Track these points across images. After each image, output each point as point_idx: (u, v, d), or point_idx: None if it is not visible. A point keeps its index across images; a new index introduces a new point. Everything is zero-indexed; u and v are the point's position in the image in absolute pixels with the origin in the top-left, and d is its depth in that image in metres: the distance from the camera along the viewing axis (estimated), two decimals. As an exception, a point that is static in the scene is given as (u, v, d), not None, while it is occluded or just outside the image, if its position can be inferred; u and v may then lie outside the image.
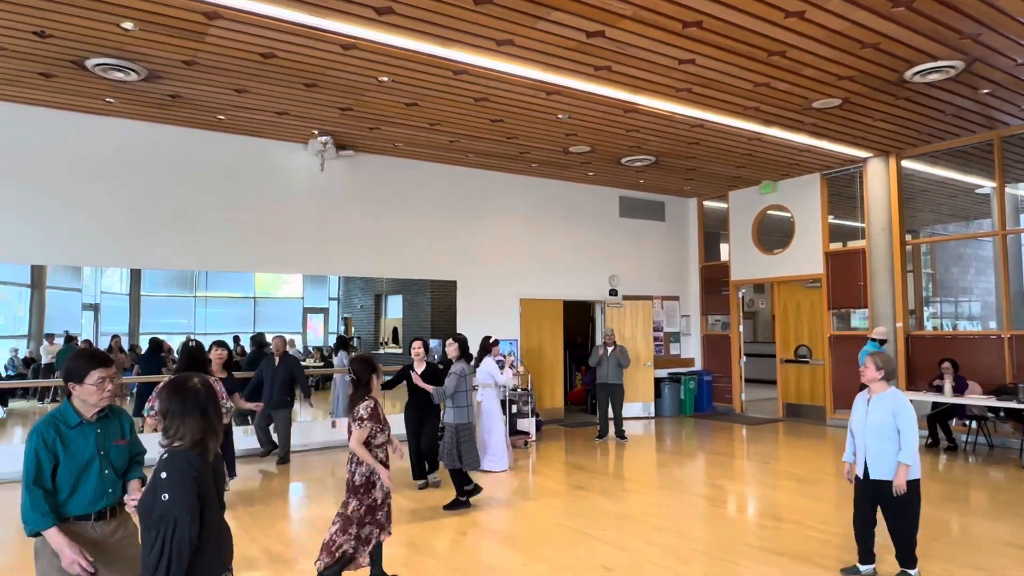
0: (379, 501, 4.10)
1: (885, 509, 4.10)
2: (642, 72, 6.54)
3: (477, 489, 6.17)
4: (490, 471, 7.38)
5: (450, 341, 6.46)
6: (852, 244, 10.76)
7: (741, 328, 12.24)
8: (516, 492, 6.67)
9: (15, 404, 7.71)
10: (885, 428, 4.01)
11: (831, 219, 10.80)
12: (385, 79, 6.69)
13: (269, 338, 8.78)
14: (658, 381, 11.69)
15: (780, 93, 7.15)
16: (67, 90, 6.93)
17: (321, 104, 7.41)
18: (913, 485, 4.03)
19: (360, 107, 7.52)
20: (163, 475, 2.18)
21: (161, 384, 2.45)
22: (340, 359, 9.27)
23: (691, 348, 12.81)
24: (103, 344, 7.98)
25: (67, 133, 7.57)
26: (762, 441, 9.29)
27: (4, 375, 7.47)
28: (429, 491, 6.61)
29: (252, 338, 8.98)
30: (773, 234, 11.75)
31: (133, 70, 6.34)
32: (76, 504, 2.64)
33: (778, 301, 11.69)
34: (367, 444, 4.03)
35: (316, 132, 8.44)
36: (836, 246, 10.78)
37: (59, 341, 7.76)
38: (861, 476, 4.16)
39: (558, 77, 6.64)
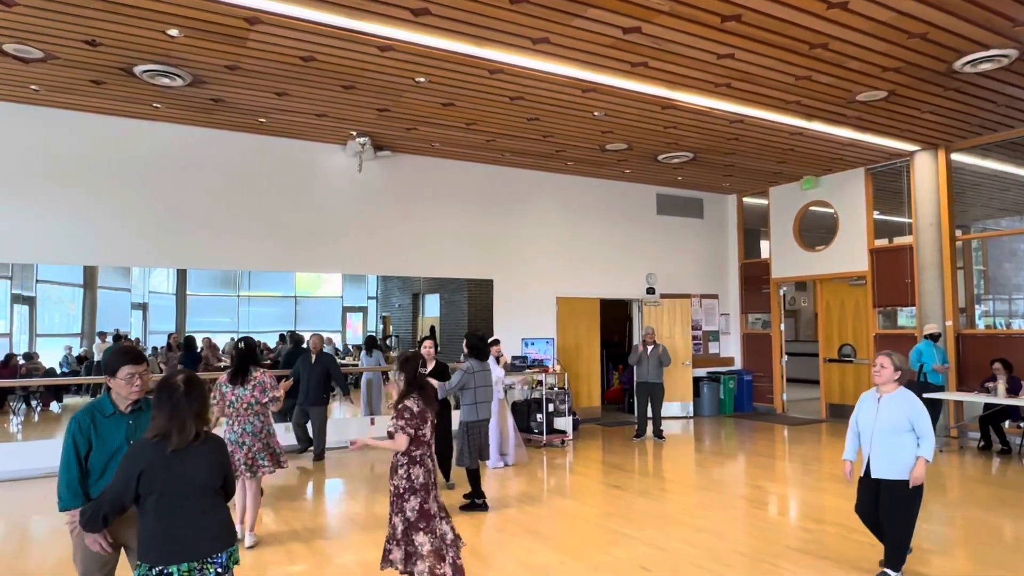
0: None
1: (884, 509, 4.02)
2: (680, 68, 6.46)
3: (483, 507, 5.91)
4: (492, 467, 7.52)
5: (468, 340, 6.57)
6: (899, 240, 10.46)
7: (782, 326, 12.01)
8: (553, 491, 6.67)
9: (69, 400, 8.00)
10: (896, 428, 3.96)
11: (876, 215, 10.51)
12: (421, 80, 6.74)
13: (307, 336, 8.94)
14: (697, 380, 11.55)
15: (823, 86, 6.99)
16: (116, 96, 7.16)
17: (359, 106, 7.51)
18: (916, 489, 3.97)
19: (397, 108, 7.59)
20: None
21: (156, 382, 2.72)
22: (375, 358, 9.36)
23: (730, 347, 12.61)
24: (157, 342, 8.23)
25: (117, 138, 7.82)
26: (804, 442, 9.10)
27: (59, 372, 7.76)
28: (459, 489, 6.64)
29: (289, 336, 9.14)
30: (815, 230, 11.49)
31: (178, 76, 6.51)
32: (103, 487, 2.82)
33: (821, 299, 11.43)
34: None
35: (354, 133, 8.55)
36: (882, 242, 10.49)
37: (110, 339, 8.02)
38: (862, 474, 4.10)
39: (594, 74, 6.60)
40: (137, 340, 8.15)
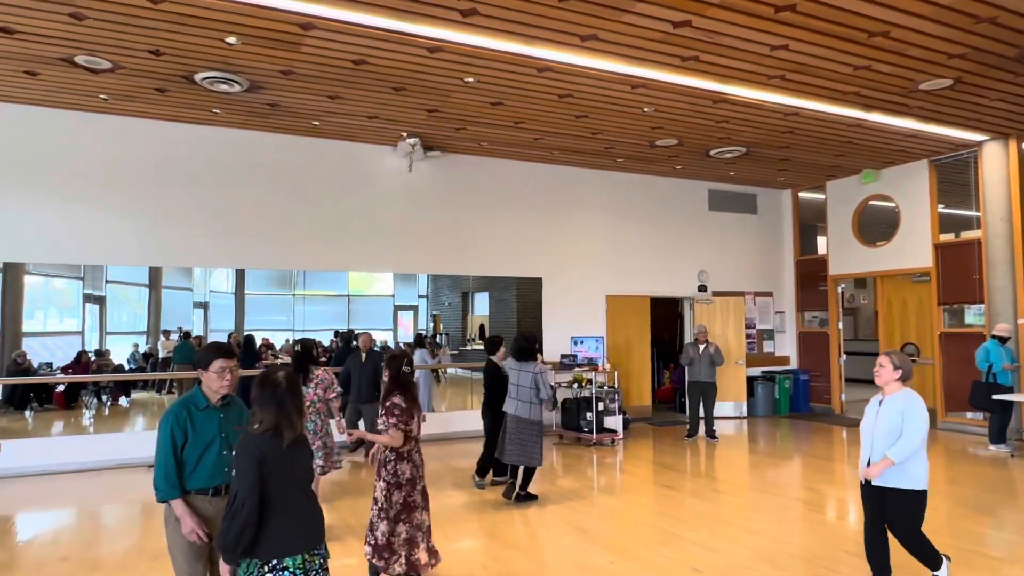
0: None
1: (891, 518, 3.77)
2: (732, 61, 6.33)
3: (507, 492, 6.13)
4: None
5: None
6: (966, 235, 10.02)
7: (840, 325, 11.65)
8: (603, 489, 6.64)
9: (136, 395, 8.37)
10: (894, 431, 3.69)
11: (941, 208, 10.09)
12: (470, 80, 6.79)
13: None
14: (751, 380, 11.30)
15: (883, 76, 6.75)
16: (178, 103, 7.44)
17: (409, 107, 7.61)
18: (918, 497, 3.70)
19: (446, 108, 7.67)
20: (234, 453, 2.65)
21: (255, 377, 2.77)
22: (420, 356, 9.46)
23: (786, 346, 12.30)
24: (219, 339, 8.53)
25: (179, 143, 8.13)
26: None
27: (126, 368, 8.12)
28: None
29: (340, 334, 9.33)
30: (875, 225, 11.10)
31: (236, 82, 6.73)
32: (197, 478, 2.98)
33: (882, 296, 11.04)
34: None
35: (405, 134, 8.68)
36: (947, 237, 10.07)
37: (175, 337, 8.35)
38: (863, 482, 3.84)
39: (644, 70, 6.53)
40: (199, 338, 8.46)
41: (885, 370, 3.82)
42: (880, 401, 3.87)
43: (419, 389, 4.43)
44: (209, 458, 2.98)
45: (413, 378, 4.21)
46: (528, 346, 6.32)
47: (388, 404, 4.01)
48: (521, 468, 6.22)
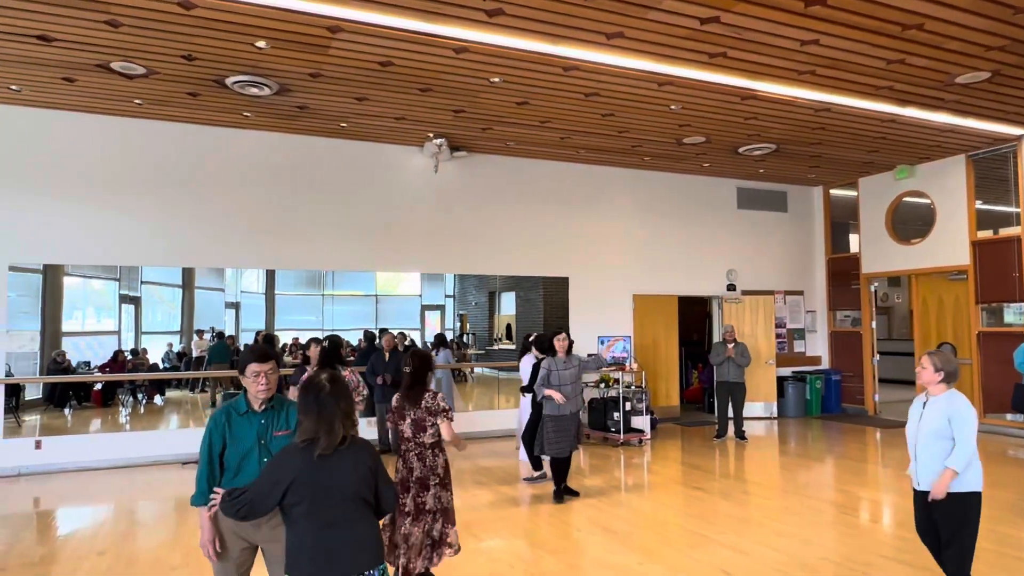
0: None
1: (939, 523, 3.59)
2: (761, 56, 6.25)
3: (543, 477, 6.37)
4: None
5: (560, 338, 6.51)
6: (1005, 231, 9.74)
7: (874, 324, 11.42)
8: (631, 490, 6.60)
9: (171, 393, 8.54)
10: (938, 434, 3.53)
11: (978, 204, 9.83)
12: (496, 80, 6.80)
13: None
14: (781, 380, 11.14)
15: (917, 69, 6.59)
16: (210, 107, 7.58)
17: (436, 108, 7.65)
18: (972, 499, 3.52)
19: (473, 108, 7.69)
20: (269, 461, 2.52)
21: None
22: (443, 356, 9.48)
23: (817, 345, 12.10)
24: (249, 339, 8.68)
25: (210, 146, 8.28)
26: (899, 446, 8.63)
27: (161, 367, 8.29)
28: (543, 485, 6.66)
29: (364, 333, 9.38)
30: (910, 223, 10.86)
31: (266, 85, 6.83)
32: (237, 485, 2.85)
33: (916, 295, 10.80)
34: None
35: (431, 135, 8.72)
36: (985, 234, 9.81)
37: (208, 336, 8.51)
38: (916, 487, 3.66)
39: (671, 67, 6.47)
40: (233, 338, 8.61)
41: (926, 372, 3.67)
42: (924, 403, 3.71)
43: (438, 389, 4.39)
44: (249, 466, 2.90)
45: (425, 377, 4.13)
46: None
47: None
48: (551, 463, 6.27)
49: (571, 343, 6.48)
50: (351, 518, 2.36)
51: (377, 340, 8.90)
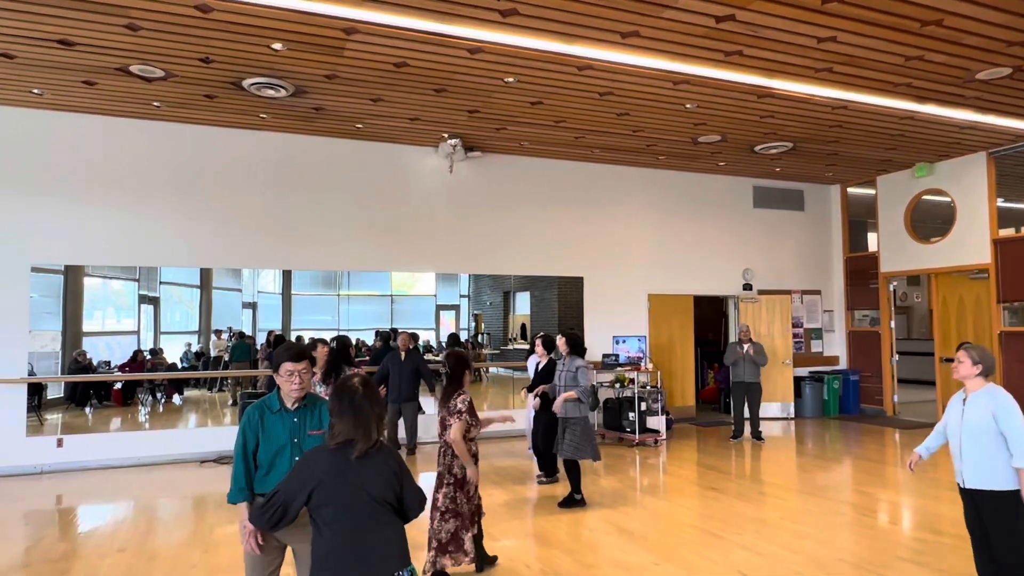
0: (470, 494, 4.24)
1: (988, 522, 3.49)
2: (777, 54, 6.20)
3: (577, 501, 5.94)
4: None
5: (559, 338, 6.49)
6: (1027, 230, 9.60)
7: (893, 324, 11.29)
8: (646, 490, 6.58)
9: (189, 393, 8.63)
10: (983, 430, 3.45)
11: (1000, 202, 9.68)
12: (511, 80, 6.80)
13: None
14: (798, 380, 11.05)
15: (936, 66, 6.51)
16: (227, 109, 7.65)
17: (450, 108, 7.67)
18: (1013, 497, 3.41)
19: (487, 109, 7.70)
20: (298, 459, 2.50)
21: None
22: None
23: (835, 345, 11.99)
24: (262, 340, 8.75)
25: (227, 148, 8.36)
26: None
27: (179, 367, 8.39)
28: (557, 485, 6.66)
29: (378, 333, 9.42)
30: (929, 221, 10.73)
31: (282, 87, 6.89)
32: (269, 483, 2.88)
33: (936, 294, 10.67)
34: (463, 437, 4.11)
35: (446, 135, 8.75)
36: (1007, 232, 9.66)
37: (225, 336, 8.59)
38: (961, 485, 3.61)
39: (686, 66, 6.44)
40: (253, 338, 8.68)
41: (964, 365, 3.59)
42: (964, 400, 3.64)
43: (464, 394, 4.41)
44: (282, 464, 2.90)
45: (462, 377, 4.25)
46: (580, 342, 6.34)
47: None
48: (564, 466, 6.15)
49: (577, 344, 6.28)
50: (378, 521, 2.34)
51: (392, 340, 8.94)
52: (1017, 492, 3.42)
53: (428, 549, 4.15)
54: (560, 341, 6.36)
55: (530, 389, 7.15)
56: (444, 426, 4.17)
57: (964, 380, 3.63)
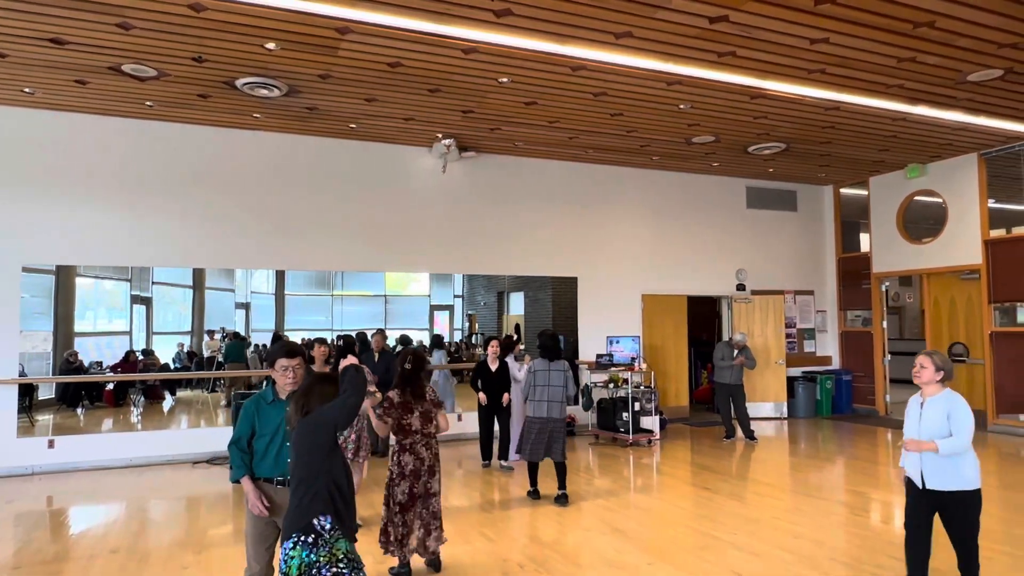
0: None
1: (945, 520, 3.72)
2: (770, 55, 6.22)
3: (535, 494, 6.25)
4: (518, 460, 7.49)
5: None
6: (1017, 230, 9.67)
7: (885, 324, 11.35)
8: (640, 490, 6.59)
9: (181, 393, 8.60)
10: (941, 433, 3.64)
11: (991, 203, 9.75)
12: (505, 80, 6.80)
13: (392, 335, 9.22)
14: (791, 380, 11.09)
15: (928, 67, 6.55)
16: (220, 108, 7.62)
17: (444, 108, 7.66)
18: (974, 496, 3.65)
19: (481, 109, 7.70)
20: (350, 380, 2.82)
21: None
22: (436, 357, 9.46)
23: (828, 345, 12.03)
24: (260, 339, 8.71)
25: (221, 148, 8.33)
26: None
27: (172, 367, 8.35)
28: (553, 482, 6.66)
29: (356, 335, 9.22)
30: (921, 222, 10.79)
31: (276, 87, 6.86)
32: (263, 467, 3.28)
33: (928, 294, 10.73)
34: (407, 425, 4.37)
35: (440, 135, 8.74)
36: (998, 233, 9.73)
37: (218, 337, 8.56)
38: (919, 486, 3.75)
39: (679, 66, 6.45)
40: (246, 338, 8.66)
41: (927, 371, 3.77)
42: (921, 404, 3.82)
43: (435, 389, 4.57)
44: (273, 449, 3.25)
45: (420, 375, 4.44)
46: (555, 344, 6.40)
47: (384, 396, 4.47)
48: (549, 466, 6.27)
49: (513, 344, 6.99)
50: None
51: (355, 346, 8.79)
52: (975, 492, 3.66)
53: (430, 532, 4.30)
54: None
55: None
56: (428, 419, 4.36)
57: (926, 385, 3.79)
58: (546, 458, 6.22)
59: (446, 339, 9.91)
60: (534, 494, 6.23)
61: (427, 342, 9.77)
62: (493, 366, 7.50)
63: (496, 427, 7.65)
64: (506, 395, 7.46)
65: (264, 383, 8.76)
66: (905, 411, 3.98)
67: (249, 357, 8.69)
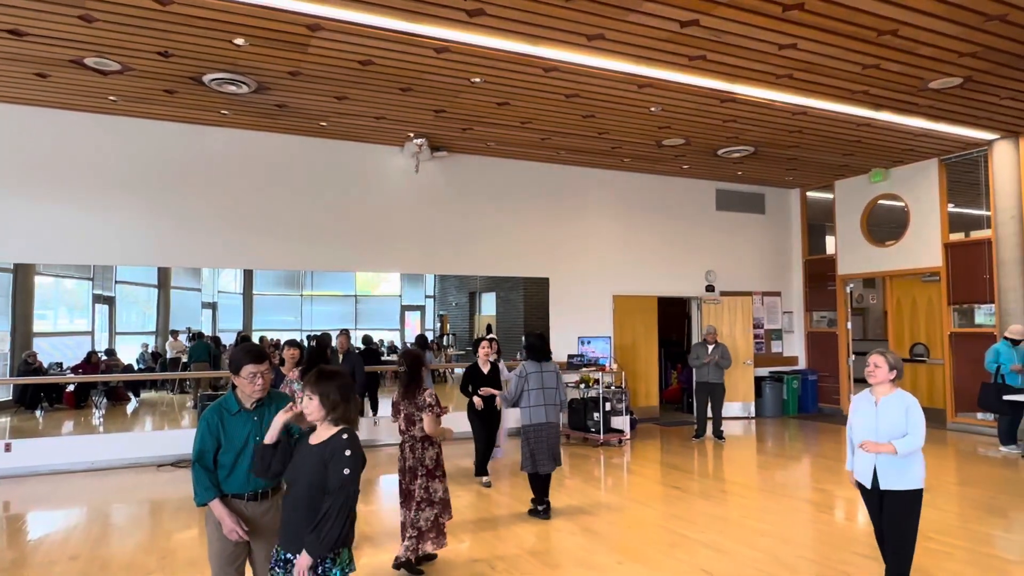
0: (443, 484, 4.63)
1: (888, 520, 3.73)
2: (739, 60, 6.31)
3: (544, 512, 5.63)
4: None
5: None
6: (976, 234, 9.95)
7: (849, 325, 11.59)
8: (610, 490, 6.62)
9: (145, 395, 8.41)
10: (897, 431, 3.66)
11: (951, 207, 10.02)
12: (477, 80, 6.79)
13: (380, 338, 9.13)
14: (758, 380, 11.26)
15: (892, 75, 6.71)
16: (187, 104, 7.48)
17: (416, 107, 7.62)
18: (915, 496, 3.68)
19: (453, 109, 7.67)
20: (347, 452, 2.55)
21: (313, 374, 2.70)
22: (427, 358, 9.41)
23: (794, 346, 12.25)
24: (227, 339, 8.56)
25: (187, 145, 8.17)
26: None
27: (136, 368, 8.16)
28: (525, 488, 6.66)
29: (315, 338, 9.08)
30: (885, 225, 11.04)
31: (244, 83, 6.75)
32: (232, 483, 2.94)
33: (891, 296, 10.98)
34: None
35: (412, 135, 8.69)
36: (957, 236, 10.00)
37: (183, 337, 8.39)
38: (869, 486, 3.76)
39: (650, 69, 6.51)
40: (217, 339, 8.49)
41: (881, 370, 3.79)
42: (875, 402, 3.81)
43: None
44: (243, 464, 2.93)
45: (411, 376, 4.49)
46: (543, 345, 5.86)
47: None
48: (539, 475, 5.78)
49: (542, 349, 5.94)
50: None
51: (317, 348, 8.70)
52: (916, 492, 3.68)
53: (405, 538, 4.34)
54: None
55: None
56: (411, 421, 4.42)
57: (879, 385, 3.80)
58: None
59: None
60: (545, 512, 5.60)
61: (397, 343, 9.70)
62: (485, 368, 7.01)
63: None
64: (498, 399, 6.65)
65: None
66: (850, 409, 3.96)
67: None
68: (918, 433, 3.64)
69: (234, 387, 3.01)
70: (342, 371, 2.72)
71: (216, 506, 2.90)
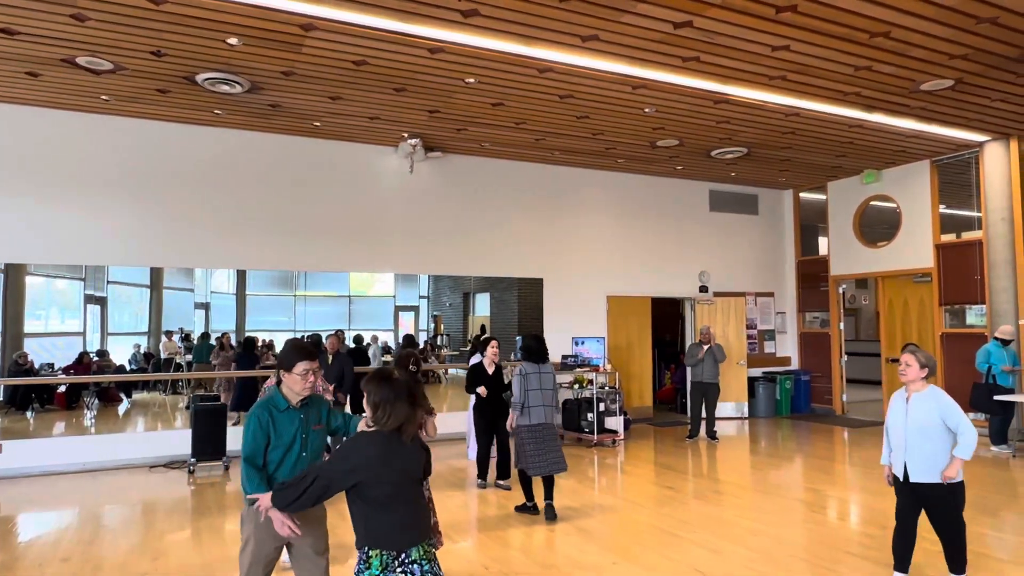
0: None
1: (931, 513, 3.87)
2: (733, 61, 6.33)
3: (533, 509, 5.72)
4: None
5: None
6: (967, 235, 10.01)
7: (842, 325, 11.65)
8: (604, 490, 6.63)
9: (137, 396, 8.37)
10: (929, 428, 3.80)
11: (942, 209, 10.08)
12: (471, 80, 6.79)
13: (369, 336, 9.13)
14: (752, 381, 11.30)
15: (884, 76, 6.75)
16: (180, 104, 7.45)
17: (410, 108, 7.62)
18: (958, 487, 3.81)
19: (447, 109, 7.67)
20: (340, 448, 2.59)
21: (368, 376, 2.70)
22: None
23: (787, 346, 12.29)
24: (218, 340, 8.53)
25: (181, 144, 8.14)
26: (865, 445, 8.81)
27: (128, 369, 8.12)
28: (516, 490, 6.66)
29: (306, 338, 9.04)
30: (877, 226, 11.10)
31: (238, 83, 6.73)
32: (277, 479, 2.96)
33: (883, 297, 11.04)
34: None
35: (406, 135, 8.68)
36: (948, 237, 10.06)
37: (176, 338, 8.35)
38: (900, 479, 3.92)
39: (644, 70, 6.53)
40: (223, 336, 8.47)
41: (912, 369, 3.88)
42: (907, 399, 3.93)
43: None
44: (290, 459, 2.98)
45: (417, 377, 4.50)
46: (540, 346, 5.86)
47: None
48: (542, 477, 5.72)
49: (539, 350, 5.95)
50: (419, 494, 2.69)
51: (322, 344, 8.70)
52: (959, 483, 3.80)
53: None
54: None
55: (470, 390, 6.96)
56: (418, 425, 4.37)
57: (911, 383, 3.91)
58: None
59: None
60: (548, 513, 5.58)
61: (392, 344, 9.69)
62: (491, 369, 6.74)
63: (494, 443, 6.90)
64: (511, 419, 6.15)
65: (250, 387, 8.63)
66: (888, 407, 4.10)
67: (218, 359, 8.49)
68: (968, 431, 3.74)
69: (279, 384, 3.03)
70: (385, 372, 2.69)
71: (267, 500, 2.86)
